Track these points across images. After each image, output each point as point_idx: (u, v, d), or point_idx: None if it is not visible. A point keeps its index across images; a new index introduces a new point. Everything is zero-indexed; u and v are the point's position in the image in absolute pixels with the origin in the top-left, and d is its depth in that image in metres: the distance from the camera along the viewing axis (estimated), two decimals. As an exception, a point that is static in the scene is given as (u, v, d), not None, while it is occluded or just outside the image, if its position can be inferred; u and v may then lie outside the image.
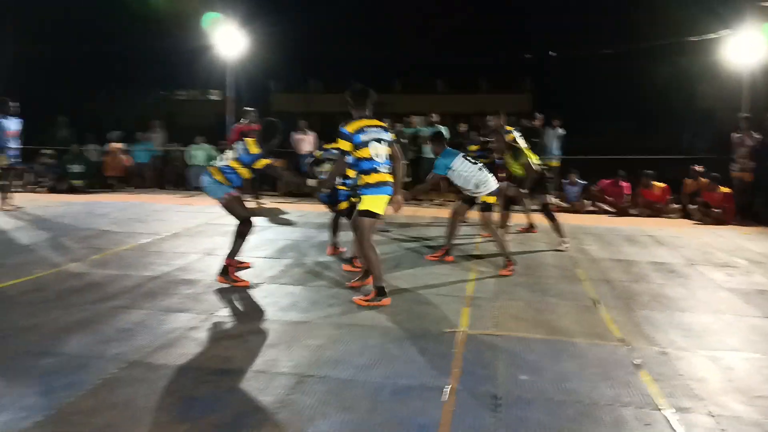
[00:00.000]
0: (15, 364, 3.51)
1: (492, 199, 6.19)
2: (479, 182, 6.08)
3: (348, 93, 4.94)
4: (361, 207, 4.82)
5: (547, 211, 7.54)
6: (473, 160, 6.24)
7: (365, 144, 4.73)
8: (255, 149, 5.32)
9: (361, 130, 4.75)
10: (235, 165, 5.33)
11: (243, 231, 5.43)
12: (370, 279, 5.01)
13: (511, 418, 2.97)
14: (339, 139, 4.83)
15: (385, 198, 4.85)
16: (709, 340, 4.20)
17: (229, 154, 5.43)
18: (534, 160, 7.46)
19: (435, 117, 12.15)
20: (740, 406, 3.17)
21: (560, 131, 12.10)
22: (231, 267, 5.40)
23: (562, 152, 12.20)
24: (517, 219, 8.64)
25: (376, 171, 4.77)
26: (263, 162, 5.35)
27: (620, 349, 3.94)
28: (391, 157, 4.90)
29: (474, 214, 6.71)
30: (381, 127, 4.85)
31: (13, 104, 9.49)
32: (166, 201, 11.13)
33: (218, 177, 5.34)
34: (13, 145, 9.57)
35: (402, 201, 5.06)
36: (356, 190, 5.00)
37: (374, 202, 4.79)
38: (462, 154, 6.27)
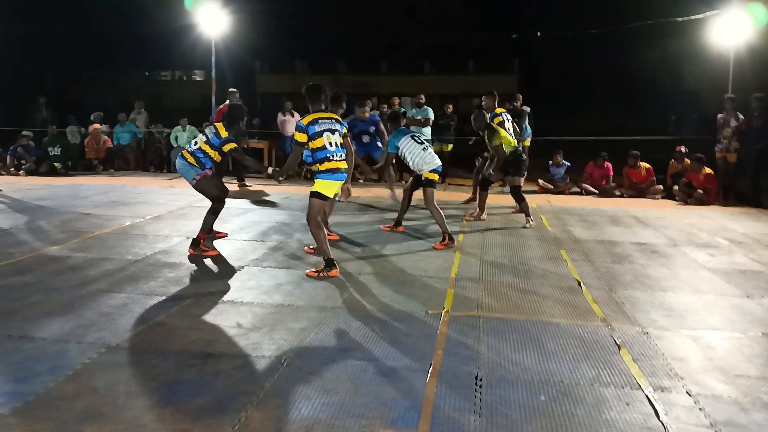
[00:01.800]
0: (-6, 349, 3.47)
1: (434, 176, 6.48)
2: (421, 161, 6.43)
3: (304, 90, 5.38)
4: (313, 189, 5.22)
5: (516, 193, 7.75)
6: (420, 141, 6.58)
7: (320, 134, 5.12)
8: (224, 133, 5.74)
9: (314, 122, 5.15)
10: (206, 148, 5.74)
11: (216, 208, 5.91)
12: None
13: (493, 399, 2.98)
14: (296, 132, 5.20)
15: (337, 183, 5.27)
16: (690, 319, 4.24)
17: (201, 137, 5.83)
18: (510, 142, 7.60)
19: (422, 98, 12.08)
20: (720, 384, 3.20)
21: (526, 109, 12.03)
22: (201, 240, 5.80)
23: (531, 131, 12.15)
24: (508, 201, 8.66)
25: (329, 159, 5.15)
26: (230, 145, 5.72)
27: (602, 330, 3.97)
28: (344, 147, 5.30)
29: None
30: (335, 119, 5.29)
31: None
32: (149, 183, 11.03)
33: (190, 160, 5.75)
34: None
35: (350, 190, 5.72)
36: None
37: (325, 186, 5.20)
38: (411, 133, 6.66)
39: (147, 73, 38.01)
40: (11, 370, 3.21)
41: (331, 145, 5.14)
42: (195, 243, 5.79)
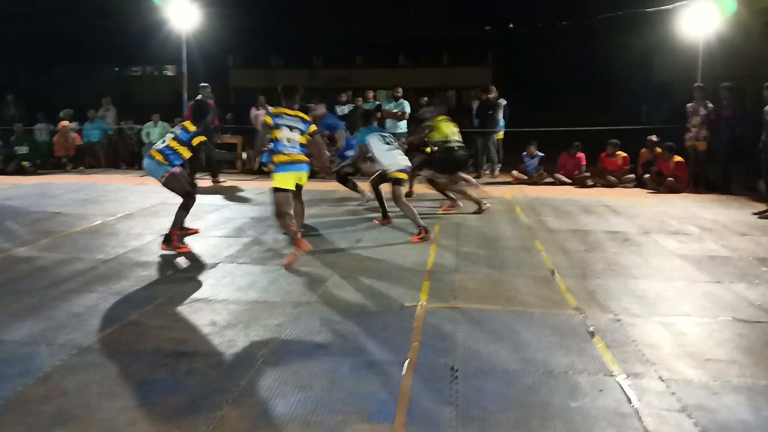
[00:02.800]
0: (-39, 354, 3.39)
1: (401, 175, 6.61)
2: (387, 161, 6.61)
3: (280, 88, 5.75)
4: (273, 184, 5.51)
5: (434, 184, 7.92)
6: (387, 141, 6.76)
7: (278, 127, 5.46)
8: (191, 128, 5.85)
9: (279, 116, 5.51)
10: (174, 145, 5.77)
11: (186, 204, 5.88)
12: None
13: (469, 390, 3.00)
14: (265, 116, 5.65)
15: (290, 174, 5.46)
16: (662, 306, 4.30)
17: (169, 135, 5.88)
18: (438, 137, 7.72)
19: (399, 91, 12.06)
20: (691, 370, 3.26)
21: (501, 102, 12.08)
22: (174, 236, 5.73)
23: (505, 123, 12.22)
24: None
25: (281, 153, 5.42)
26: (199, 139, 5.82)
27: (575, 318, 4.01)
28: (310, 146, 5.67)
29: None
30: (300, 118, 5.60)
31: None
32: (120, 181, 10.86)
33: (159, 158, 5.73)
34: None
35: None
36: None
37: (280, 179, 5.44)
38: (379, 132, 6.92)
39: (118, 69, 37.40)
40: (-21, 374, 3.14)
41: (286, 140, 5.44)
42: (167, 239, 5.73)
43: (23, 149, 12.31)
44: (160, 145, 5.81)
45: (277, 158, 5.46)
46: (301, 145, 5.53)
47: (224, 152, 6.46)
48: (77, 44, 28.82)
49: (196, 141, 5.80)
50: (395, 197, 6.54)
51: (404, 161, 6.70)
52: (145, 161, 5.85)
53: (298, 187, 5.64)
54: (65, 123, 13.20)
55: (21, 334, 3.68)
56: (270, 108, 5.75)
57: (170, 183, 5.79)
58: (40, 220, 7.15)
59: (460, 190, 7.88)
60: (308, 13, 31.86)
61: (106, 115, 13.81)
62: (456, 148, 7.70)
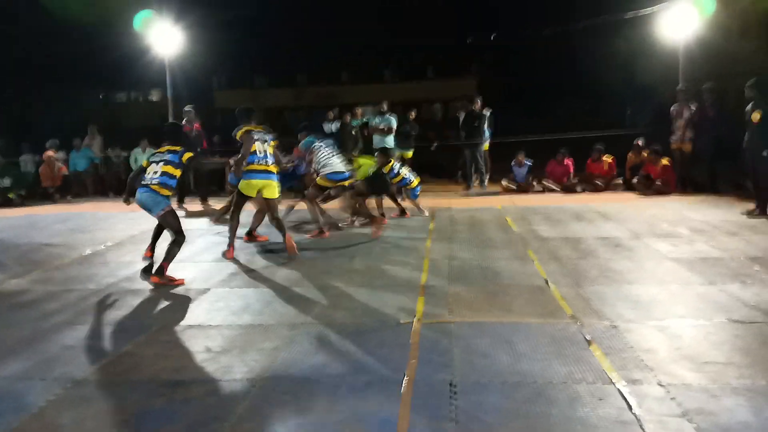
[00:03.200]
0: (-47, 393, 3.34)
1: (325, 183, 7.34)
2: (324, 168, 7.31)
3: (237, 111, 6.74)
4: (241, 188, 6.40)
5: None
6: (330, 149, 7.49)
7: (254, 141, 6.33)
8: (177, 147, 5.78)
9: (250, 132, 6.38)
10: (168, 169, 5.60)
11: (180, 241, 5.60)
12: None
13: (468, 404, 2.98)
14: (238, 131, 6.47)
15: (256, 182, 6.34)
16: (657, 310, 4.31)
17: (158, 166, 5.60)
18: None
19: (385, 106, 12.11)
20: (689, 373, 3.25)
21: (486, 113, 12.15)
22: (165, 267, 5.50)
23: (491, 134, 12.28)
24: (474, 203, 8.70)
25: (253, 162, 6.32)
26: (188, 154, 5.78)
27: (571, 326, 4.00)
28: (275, 157, 6.57)
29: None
30: (263, 131, 6.56)
31: None
32: (109, 209, 10.78)
33: (163, 191, 5.55)
34: None
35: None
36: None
37: (244, 185, 6.38)
38: (324, 142, 7.63)
39: (102, 96, 37.36)
40: (-28, 412, 3.09)
41: (258, 152, 6.36)
42: (159, 271, 5.46)
43: (7, 181, 12.23)
44: (155, 177, 5.54)
45: (248, 167, 6.33)
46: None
47: (211, 161, 7.72)
48: (61, 71, 28.76)
49: (186, 157, 5.71)
50: (307, 196, 7.27)
51: (341, 171, 7.36)
52: (142, 195, 5.55)
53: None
54: (51, 153, 13.13)
55: (14, 368, 3.63)
56: (239, 128, 6.53)
57: (167, 219, 5.58)
58: (29, 252, 7.09)
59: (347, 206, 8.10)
60: (291, 32, 32.01)
61: (92, 144, 13.76)
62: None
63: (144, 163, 5.79)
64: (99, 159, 13.82)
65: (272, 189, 6.42)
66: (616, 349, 3.61)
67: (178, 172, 5.68)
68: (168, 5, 12.57)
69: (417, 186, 9.02)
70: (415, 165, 12.86)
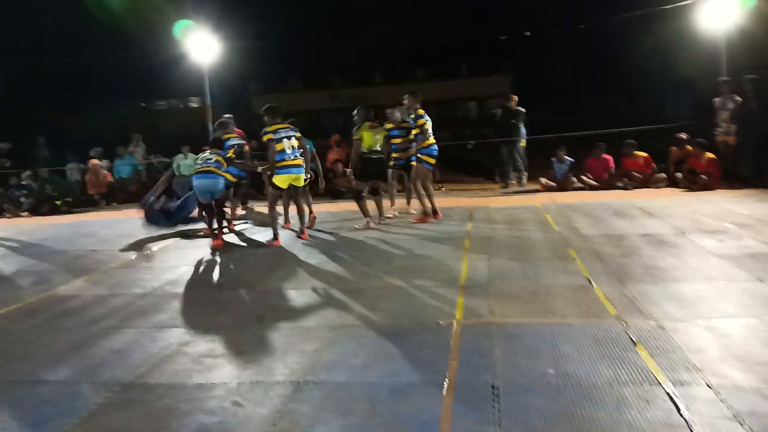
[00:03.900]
0: (8, 395, 3.46)
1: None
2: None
3: (264, 110, 7.33)
4: (273, 181, 7.18)
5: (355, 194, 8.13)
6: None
7: (280, 140, 7.05)
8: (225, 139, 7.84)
9: (276, 131, 7.10)
10: (220, 159, 7.43)
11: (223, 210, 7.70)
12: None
13: (511, 407, 2.95)
14: (265, 135, 7.13)
15: (287, 176, 7.16)
16: (704, 308, 4.20)
17: (212, 155, 7.44)
18: (371, 144, 7.86)
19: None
20: (739, 374, 3.16)
21: (521, 110, 11.97)
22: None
23: (527, 131, 12.10)
24: (510, 202, 8.62)
25: (284, 159, 7.07)
26: (231, 152, 7.68)
27: (616, 327, 3.92)
28: (302, 148, 7.30)
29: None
30: (289, 128, 7.24)
31: None
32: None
33: (216, 171, 7.32)
34: None
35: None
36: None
37: (279, 179, 7.14)
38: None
39: (143, 104, 38.27)
40: (25, 415, 3.19)
41: (288, 148, 7.08)
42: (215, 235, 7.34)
43: (52, 190, 12.64)
44: (210, 164, 7.26)
45: (280, 164, 7.06)
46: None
47: (248, 163, 8.15)
48: (104, 82, 29.59)
49: (230, 153, 7.48)
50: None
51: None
52: (202, 180, 7.24)
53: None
54: (95, 161, 13.51)
55: (64, 373, 3.74)
56: (267, 128, 7.15)
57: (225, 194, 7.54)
58: (76, 258, 7.31)
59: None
60: (324, 34, 32.24)
61: (135, 151, 14.10)
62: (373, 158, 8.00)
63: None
64: (142, 166, 14.14)
65: (300, 179, 7.33)
66: (663, 349, 3.52)
67: (225, 164, 7.43)
68: (205, 14, 12.82)
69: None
70: (451, 164, 12.85)
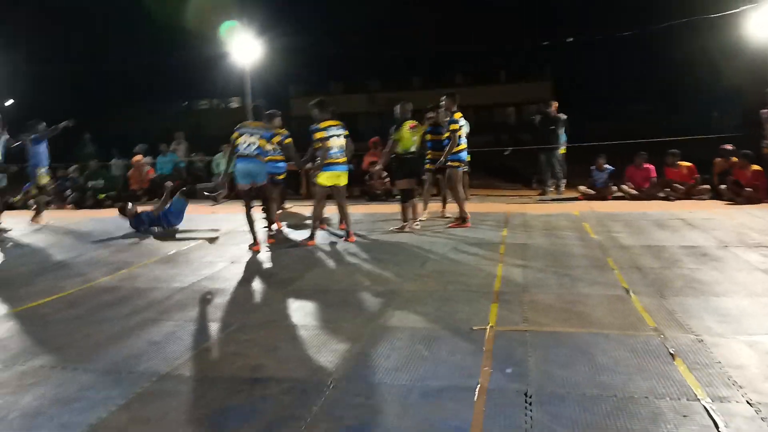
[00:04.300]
0: (50, 381, 3.56)
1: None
2: None
3: (313, 103, 7.40)
4: (316, 180, 7.33)
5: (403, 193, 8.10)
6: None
7: (328, 138, 7.18)
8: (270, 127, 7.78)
9: (327, 128, 7.23)
10: (263, 143, 7.23)
11: (270, 206, 7.85)
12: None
13: (544, 416, 2.91)
14: (315, 133, 7.25)
15: (331, 174, 7.25)
16: (747, 324, 4.08)
17: (254, 138, 7.16)
18: (407, 146, 7.86)
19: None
20: (782, 392, 3.06)
21: (562, 117, 11.81)
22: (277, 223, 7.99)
23: (567, 138, 11.94)
24: (549, 209, 8.52)
25: (329, 157, 7.17)
26: (277, 138, 7.71)
27: (654, 339, 3.85)
28: (347, 147, 7.37)
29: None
30: (339, 126, 7.32)
31: (41, 125, 10.07)
32: (192, 211, 11.18)
33: (261, 159, 7.25)
34: (45, 163, 10.22)
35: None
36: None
37: (323, 177, 7.25)
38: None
39: (186, 103, 39.02)
40: (67, 401, 3.29)
41: (333, 147, 7.19)
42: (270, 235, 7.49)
43: (99, 183, 12.99)
44: (253, 150, 7.07)
45: (326, 161, 7.16)
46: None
47: (297, 156, 8.21)
48: (148, 81, 30.30)
49: (275, 140, 7.47)
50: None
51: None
52: (248, 165, 7.07)
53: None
54: (139, 157, 13.85)
55: (104, 362, 3.84)
56: (318, 125, 7.26)
57: (268, 187, 7.43)
58: (118, 251, 7.49)
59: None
60: (364, 38, 32.41)
61: (177, 149, 14.41)
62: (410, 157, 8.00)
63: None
64: (183, 163, 14.43)
65: (344, 178, 7.42)
66: (703, 364, 3.44)
67: (270, 147, 7.56)
68: (250, 15, 13.03)
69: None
70: (488, 169, 12.77)
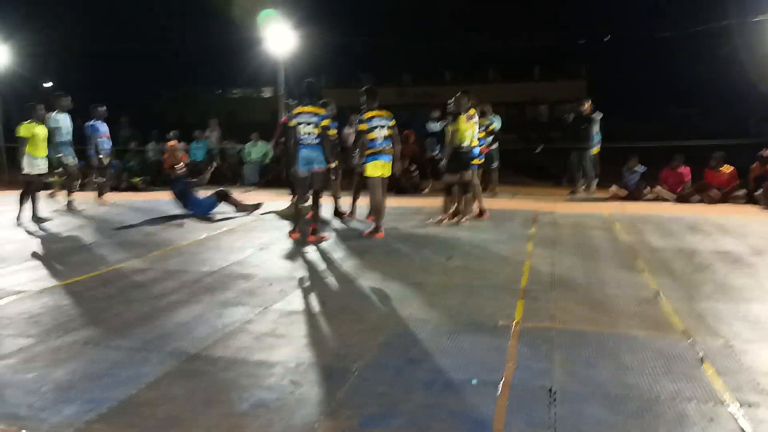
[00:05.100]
0: (82, 357, 3.66)
1: None
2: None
3: (363, 90, 7.29)
4: (365, 173, 7.26)
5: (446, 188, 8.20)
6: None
7: (372, 129, 7.09)
8: (320, 111, 6.86)
9: (371, 119, 7.12)
10: (318, 131, 6.82)
11: (319, 202, 7.19)
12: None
13: (567, 414, 2.90)
14: (359, 124, 7.25)
15: (377, 163, 7.13)
16: (779, 332, 4.00)
17: (309, 127, 6.81)
18: (462, 139, 7.82)
19: (488, 107, 11.92)
20: (813, 402, 3.00)
21: (597, 116, 11.62)
22: (316, 227, 7.06)
23: (602, 137, 11.75)
24: (579, 209, 8.44)
25: (373, 147, 7.11)
26: (327, 121, 6.88)
27: (682, 342, 3.80)
28: (391, 138, 7.21)
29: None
30: (384, 116, 7.16)
31: (102, 108, 10.65)
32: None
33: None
34: (107, 146, 10.78)
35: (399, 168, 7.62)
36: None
37: (370, 167, 7.16)
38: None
39: (220, 91, 39.43)
40: (96, 377, 3.38)
41: (377, 138, 7.10)
42: (314, 232, 6.95)
43: (136, 166, 13.25)
44: (314, 138, 6.76)
45: (369, 151, 7.10)
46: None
47: (335, 149, 7.76)
48: (185, 68, 30.71)
49: (325, 122, 6.79)
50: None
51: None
52: (311, 151, 6.79)
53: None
54: (173, 142, 14.04)
55: (134, 341, 3.92)
56: (363, 115, 7.18)
57: (322, 176, 6.96)
58: (150, 234, 7.63)
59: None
60: (397, 31, 32.35)
61: (210, 136, 14.59)
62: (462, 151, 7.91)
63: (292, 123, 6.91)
64: (216, 150, 14.61)
65: (387, 168, 7.25)
66: (731, 369, 3.39)
67: (318, 131, 6.83)
68: (285, 5, 13.10)
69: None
70: (518, 167, 12.67)
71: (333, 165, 7.51)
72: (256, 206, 9.13)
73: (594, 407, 2.96)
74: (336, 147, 8.02)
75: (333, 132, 7.52)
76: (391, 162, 7.25)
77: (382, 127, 7.13)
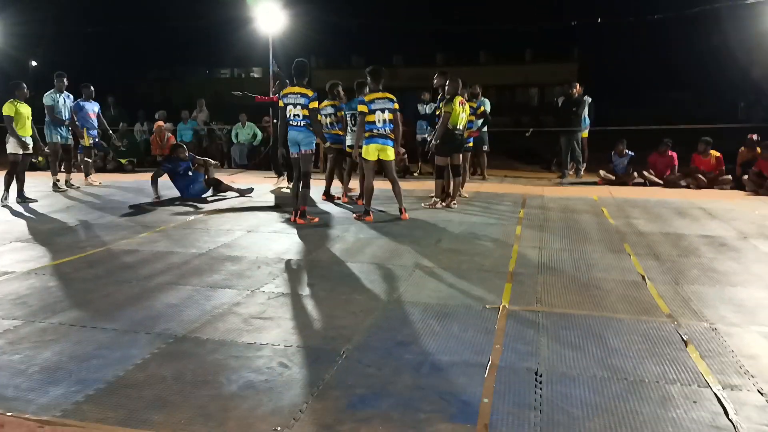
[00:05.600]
0: (69, 339, 3.64)
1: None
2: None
3: (368, 71, 7.13)
4: (362, 154, 7.12)
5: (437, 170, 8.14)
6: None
7: (373, 111, 6.94)
8: (309, 92, 6.77)
9: (372, 101, 6.96)
10: (305, 113, 6.75)
11: (308, 184, 7.00)
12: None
13: (554, 395, 2.94)
14: (359, 105, 7.04)
15: (374, 146, 7.03)
16: (762, 315, 4.05)
17: (297, 108, 6.77)
18: (456, 122, 7.79)
19: (477, 89, 11.89)
20: (794, 384, 3.05)
21: (586, 99, 11.64)
22: (304, 210, 6.99)
23: (591, 122, 11.79)
24: (567, 193, 8.47)
25: (371, 130, 6.98)
26: (314, 104, 6.78)
27: (667, 326, 3.84)
28: (393, 122, 7.05)
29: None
30: (388, 98, 7.00)
31: (88, 88, 10.57)
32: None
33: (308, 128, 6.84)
34: (93, 125, 10.64)
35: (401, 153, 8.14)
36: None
37: (367, 150, 7.05)
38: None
39: (208, 72, 39.00)
40: (85, 358, 3.36)
41: (378, 121, 6.96)
42: (302, 215, 6.93)
43: (124, 146, 13.15)
44: (301, 120, 6.70)
45: (368, 134, 6.98)
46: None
47: (321, 132, 7.46)
48: (172, 48, 30.33)
49: (313, 105, 6.68)
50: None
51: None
52: (298, 133, 6.73)
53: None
54: (160, 123, 13.93)
55: (122, 322, 3.91)
56: (363, 97, 7.08)
57: (310, 158, 6.90)
58: (138, 215, 7.59)
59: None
60: (388, 12, 32.09)
61: (198, 117, 14.46)
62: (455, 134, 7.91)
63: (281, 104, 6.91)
64: (204, 131, 14.50)
65: (388, 152, 7.14)
66: (715, 352, 3.44)
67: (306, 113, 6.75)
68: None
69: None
70: (508, 151, 12.68)
71: (326, 144, 7.86)
72: (249, 190, 9.08)
73: (580, 389, 3.00)
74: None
75: (341, 113, 8.16)
76: (392, 146, 7.14)
77: (384, 110, 6.97)
